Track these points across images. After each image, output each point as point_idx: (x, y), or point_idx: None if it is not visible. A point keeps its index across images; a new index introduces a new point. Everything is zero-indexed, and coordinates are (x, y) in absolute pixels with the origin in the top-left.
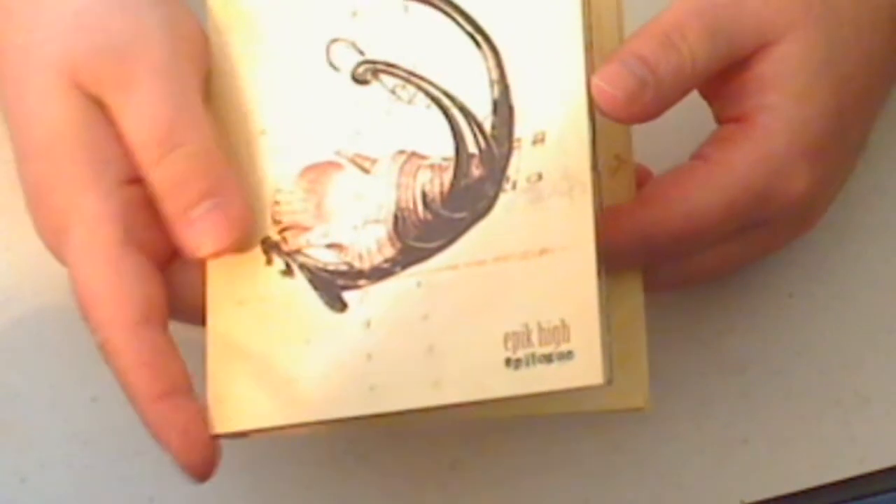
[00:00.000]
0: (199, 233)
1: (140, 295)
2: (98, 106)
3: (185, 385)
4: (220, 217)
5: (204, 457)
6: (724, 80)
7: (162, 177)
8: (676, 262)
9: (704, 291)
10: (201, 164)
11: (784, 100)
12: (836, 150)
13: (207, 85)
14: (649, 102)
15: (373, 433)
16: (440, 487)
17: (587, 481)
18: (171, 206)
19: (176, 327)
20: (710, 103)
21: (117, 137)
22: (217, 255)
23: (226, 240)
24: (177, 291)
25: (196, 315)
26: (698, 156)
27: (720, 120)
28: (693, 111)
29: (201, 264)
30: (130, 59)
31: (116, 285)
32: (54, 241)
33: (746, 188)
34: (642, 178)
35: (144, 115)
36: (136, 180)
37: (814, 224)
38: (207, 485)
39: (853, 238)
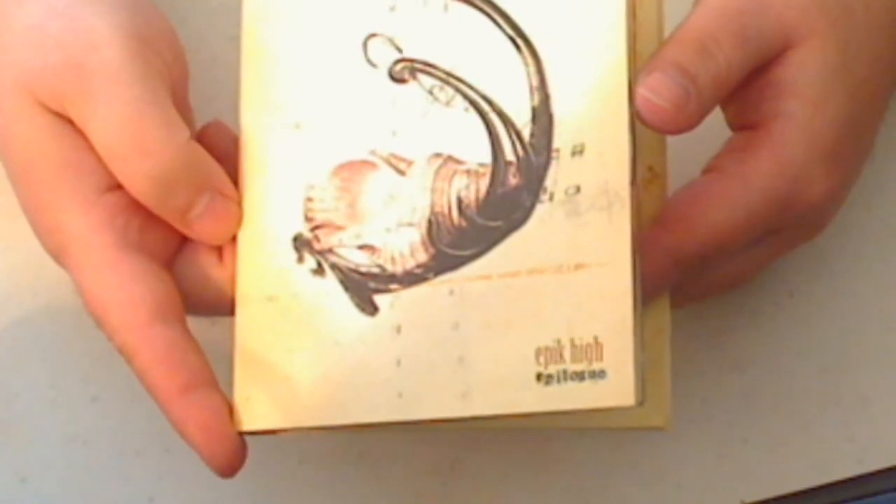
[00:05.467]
0: (205, 230)
1: (146, 295)
2: (66, 121)
3: (205, 378)
4: (221, 208)
5: (228, 452)
6: (739, 85)
7: (142, 187)
8: (698, 276)
9: None
10: (179, 164)
11: (801, 106)
12: (851, 155)
13: (241, 75)
14: (693, 113)
15: (372, 433)
16: (440, 487)
17: (587, 481)
18: (164, 214)
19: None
20: (724, 109)
21: (90, 149)
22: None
23: (236, 225)
24: (184, 285)
25: (207, 307)
26: (713, 168)
27: (734, 126)
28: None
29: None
30: (87, 72)
31: (120, 290)
32: (58, 260)
33: (765, 199)
34: None
35: (109, 126)
36: (119, 186)
37: (825, 227)
38: (207, 485)
39: (853, 238)
